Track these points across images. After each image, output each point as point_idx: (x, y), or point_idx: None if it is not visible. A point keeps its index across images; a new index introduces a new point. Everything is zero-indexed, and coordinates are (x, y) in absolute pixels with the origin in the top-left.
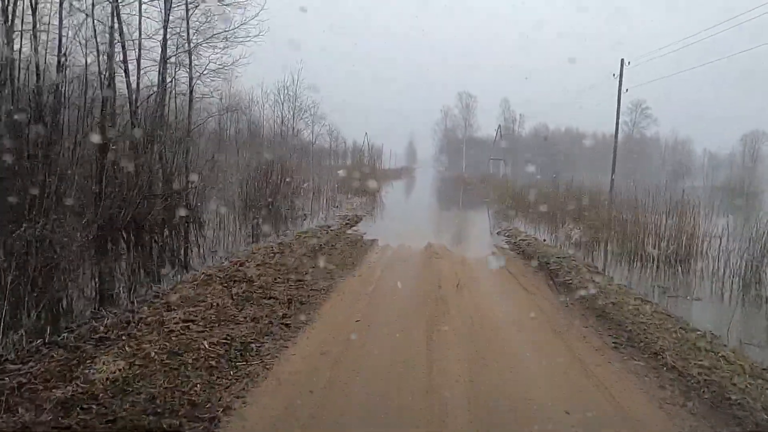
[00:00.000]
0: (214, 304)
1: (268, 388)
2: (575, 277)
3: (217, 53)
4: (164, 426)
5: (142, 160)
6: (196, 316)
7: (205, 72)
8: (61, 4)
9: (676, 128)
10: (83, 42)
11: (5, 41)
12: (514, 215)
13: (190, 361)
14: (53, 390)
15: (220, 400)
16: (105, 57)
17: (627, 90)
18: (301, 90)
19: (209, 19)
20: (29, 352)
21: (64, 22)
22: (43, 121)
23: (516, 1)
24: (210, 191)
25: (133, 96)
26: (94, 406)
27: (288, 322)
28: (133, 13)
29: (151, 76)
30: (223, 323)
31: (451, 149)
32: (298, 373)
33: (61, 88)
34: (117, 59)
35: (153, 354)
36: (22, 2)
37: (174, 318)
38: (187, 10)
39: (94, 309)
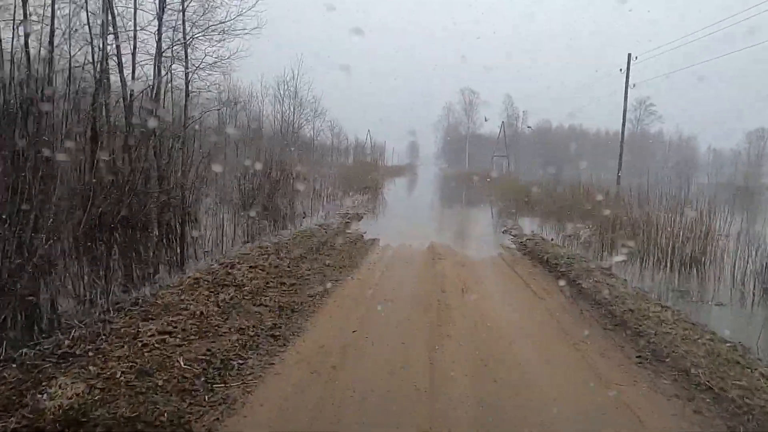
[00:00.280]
0: (198, 312)
1: (245, 417)
2: (587, 279)
3: (213, 46)
4: None
5: (134, 156)
6: (176, 327)
7: (201, 66)
8: None
9: (680, 125)
10: (75, 34)
11: None
12: (518, 213)
13: (161, 382)
14: None
15: None
16: (98, 49)
17: (634, 85)
18: (300, 85)
19: (206, 11)
20: None
21: (56, 13)
22: (31, 115)
23: None
24: (207, 189)
25: (128, 90)
26: None
27: (277, 334)
28: (128, 5)
29: (147, 70)
30: (204, 335)
31: (453, 146)
32: (282, 398)
33: (53, 81)
34: (110, 52)
35: (119, 374)
36: None
37: (150, 329)
38: (183, 1)
39: (81, 315)
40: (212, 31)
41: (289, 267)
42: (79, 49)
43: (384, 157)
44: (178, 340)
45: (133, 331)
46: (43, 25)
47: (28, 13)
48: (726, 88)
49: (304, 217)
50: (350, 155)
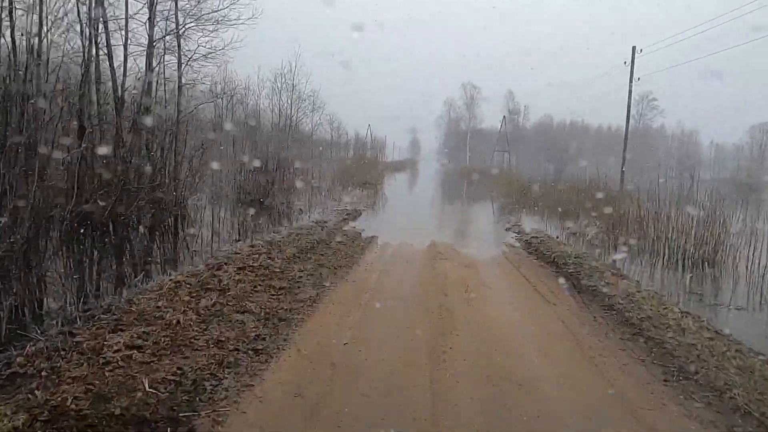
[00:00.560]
0: (174, 321)
1: None
2: (598, 281)
3: (207, 36)
4: None
5: (124, 150)
6: (147, 340)
7: (194, 57)
8: None
9: (683, 120)
10: (63, 24)
11: None
12: (521, 209)
13: (118, 411)
14: None
15: None
16: (86, 40)
17: (639, 78)
18: (298, 78)
19: (200, 0)
20: None
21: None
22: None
23: None
24: (200, 184)
25: (118, 82)
26: None
27: (259, 347)
28: None
29: (139, 63)
30: (177, 350)
31: (454, 141)
32: (257, 430)
33: (39, 73)
34: (100, 43)
35: (70, 401)
36: None
37: (117, 342)
38: None
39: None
40: (206, 20)
41: (280, 268)
42: (64, 38)
43: (384, 153)
44: (146, 355)
45: (97, 344)
46: (31, 14)
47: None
48: (728, 83)
49: (300, 214)
50: (350, 150)
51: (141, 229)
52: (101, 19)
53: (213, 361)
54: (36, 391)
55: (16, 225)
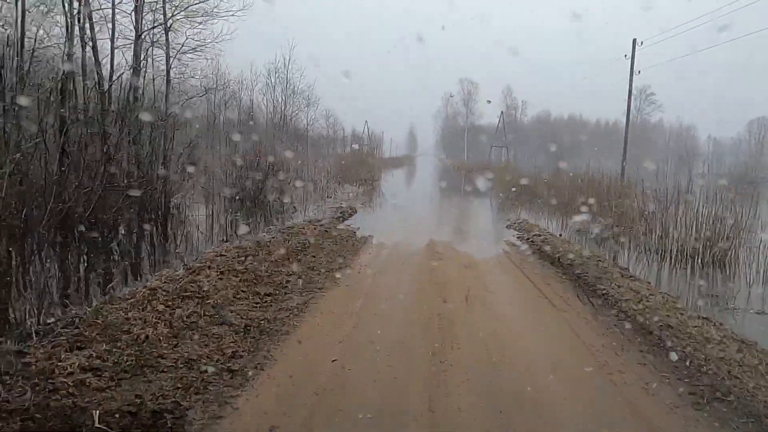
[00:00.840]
0: (142, 336)
1: None
2: (608, 284)
3: (195, 28)
4: None
5: (108, 147)
6: (107, 360)
7: (183, 50)
8: None
9: (681, 115)
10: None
11: None
12: (520, 205)
13: None
14: None
15: None
16: (66, 30)
17: (639, 72)
18: (292, 73)
19: None
20: None
21: None
22: None
23: None
24: (189, 182)
25: (104, 75)
26: None
27: (235, 367)
28: None
29: (127, 56)
30: (141, 371)
31: (452, 137)
32: None
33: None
34: (86, 37)
35: None
36: None
37: (72, 364)
38: None
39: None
40: (194, 12)
41: (267, 271)
42: (39, 27)
43: (382, 149)
44: (104, 380)
45: (49, 366)
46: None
47: None
48: (726, 77)
49: (293, 212)
50: (347, 146)
51: (122, 230)
52: (84, 10)
53: (180, 385)
54: None
55: None
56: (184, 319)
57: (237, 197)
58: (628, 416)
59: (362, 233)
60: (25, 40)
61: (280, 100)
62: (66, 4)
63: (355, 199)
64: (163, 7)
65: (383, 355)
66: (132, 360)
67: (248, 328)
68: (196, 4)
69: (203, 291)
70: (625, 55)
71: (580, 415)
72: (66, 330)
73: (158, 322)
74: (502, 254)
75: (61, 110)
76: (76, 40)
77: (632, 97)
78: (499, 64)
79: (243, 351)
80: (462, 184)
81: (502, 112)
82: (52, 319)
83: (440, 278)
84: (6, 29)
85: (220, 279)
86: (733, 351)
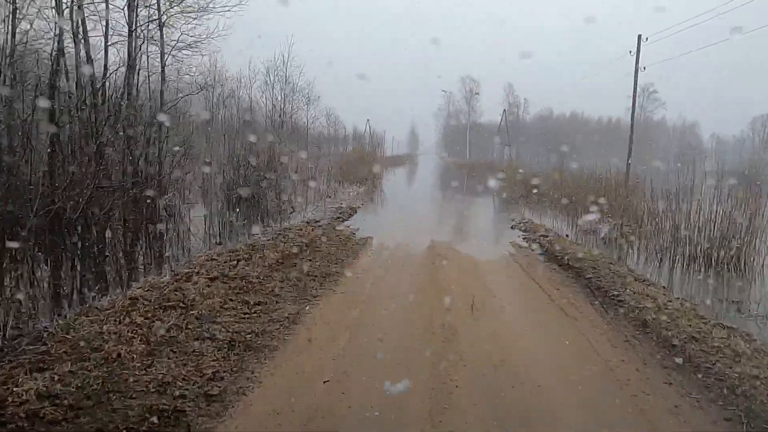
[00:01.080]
0: (114, 354)
1: None
2: (622, 289)
3: (190, 24)
4: None
5: (97, 144)
6: (70, 383)
7: (178, 46)
8: None
9: (683, 113)
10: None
11: None
12: (525, 205)
13: None
14: None
15: None
16: (59, 25)
17: (644, 68)
18: (291, 70)
19: None
20: None
21: None
22: None
23: None
24: (184, 182)
25: (97, 72)
26: None
27: (214, 392)
28: None
29: (122, 52)
30: (107, 397)
31: (454, 135)
32: None
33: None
34: (79, 34)
35: None
36: None
37: (29, 389)
38: None
39: None
40: (189, 7)
41: (259, 278)
42: (30, 24)
43: (383, 147)
44: (62, 409)
45: (3, 392)
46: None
47: None
48: (729, 74)
49: (292, 213)
50: (349, 145)
51: (108, 232)
52: (76, 3)
53: (149, 414)
54: None
55: None
56: (164, 333)
57: (234, 197)
58: None
59: (362, 234)
60: (17, 35)
61: (279, 98)
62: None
63: (356, 199)
64: (158, 2)
65: (381, 373)
66: (98, 383)
67: (233, 343)
68: None
69: (188, 300)
70: (630, 52)
71: None
72: (31, 347)
73: (134, 338)
74: (508, 256)
75: (52, 107)
76: (68, 36)
77: (636, 95)
78: (501, 62)
79: (225, 371)
80: (464, 182)
81: (504, 110)
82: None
83: (443, 283)
84: None
85: (209, 286)
86: (765, 368)
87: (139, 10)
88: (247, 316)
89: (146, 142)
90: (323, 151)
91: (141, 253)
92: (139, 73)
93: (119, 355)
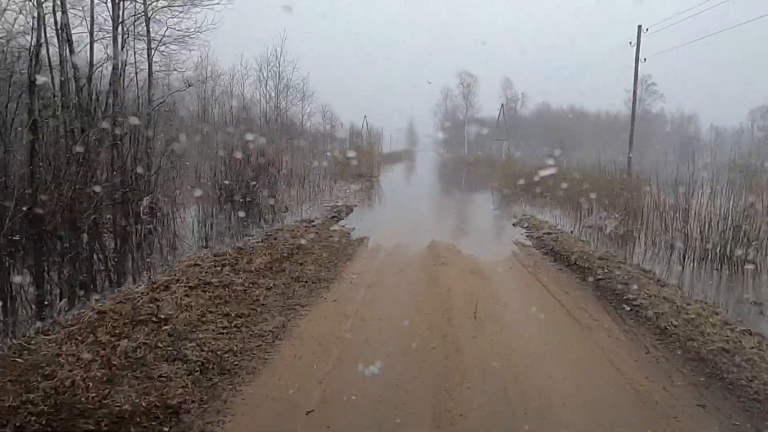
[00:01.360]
0: (68, 382)
1: None
2: (636, 292)
3: (176, 17)
4: None
5: (80, 144)
6: (6, 424)
7: (166, 40)
8: None
9: (682, 104)
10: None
11: None
12: (526, 201)
13: None
14: None
15: None
16: (36, 20)
17: (645, 59)
18: (284, 66)
19: None
20: None
21: None
22: None
23: None
24: (174, 182)
25: (80, 69)
26: None
27: (177, 428)
28: None
29: (108, 48)
30: None
31: (452, 131)
32: None
33: None
34: (61, 28)
35: None
36: None
37: None
38: None
39: None
40: (176, 0)
41: (243, 285)
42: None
43: (381, 144)
44: None
45: None
46: None
47: None
48: (728, 65)
49: (285, 212)
50: (346, 142)
51: (85, 237)
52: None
53: None
54: None
55: None
56: (129, 354)
57: (224, 197)
58: None
59: (357, 234)
60: None
61: (272, 94)
62: None
63: (353, 197)
64: None
65: (374, 401)
66: (41, 422)
67: (206, 365)
68: None
69: (163, 313)
70: (630, 42)
71: None
72: None
73: (94, 360)
74: (511, 256)
75: (30, 107)
76: (50, 31)
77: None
78: (499, 57)
79: (193, 400)
80: (463, 178)
81: (502, 104)
82: None
83: (444, 289)
84: None
85: (187, 296)
86: None
87: (124, 3)
88: (226, 330)
89: (133, 140)
90: (320, 148)
91: (118, 258)
92: (125, 69)
93: (73, 383)
